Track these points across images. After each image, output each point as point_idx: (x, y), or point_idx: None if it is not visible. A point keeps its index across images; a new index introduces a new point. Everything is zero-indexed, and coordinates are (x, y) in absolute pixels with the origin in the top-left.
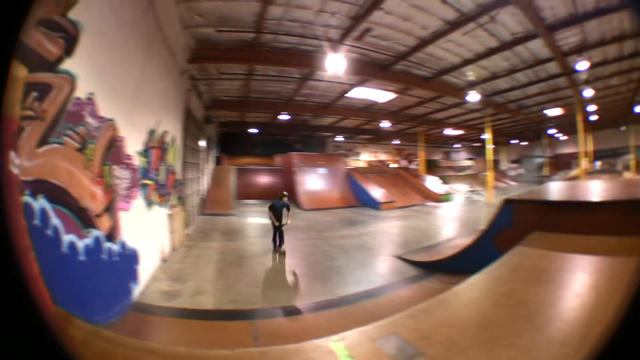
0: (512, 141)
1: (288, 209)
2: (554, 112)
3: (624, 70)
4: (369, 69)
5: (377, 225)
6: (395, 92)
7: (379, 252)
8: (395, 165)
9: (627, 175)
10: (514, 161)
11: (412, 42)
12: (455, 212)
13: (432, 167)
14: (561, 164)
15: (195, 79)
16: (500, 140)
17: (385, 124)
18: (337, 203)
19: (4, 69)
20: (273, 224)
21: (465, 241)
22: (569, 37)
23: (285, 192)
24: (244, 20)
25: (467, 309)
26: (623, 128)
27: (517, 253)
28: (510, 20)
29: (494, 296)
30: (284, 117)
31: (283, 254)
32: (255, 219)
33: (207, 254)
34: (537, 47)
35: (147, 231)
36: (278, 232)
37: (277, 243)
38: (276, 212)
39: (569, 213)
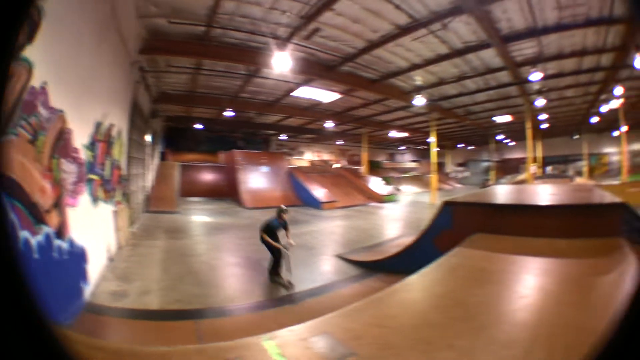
0: (459, 145)
1: (287, 228)
2: (503, 119)
3: (581, 84)
4: (315, 68)
5: (319, 224)
6: (341, 92)
7: (321, 251)
8: (339, 166)
9: (579, 180)
10: (460, 164)
11: (360, 44)
12: (398, 212)
13: (375, 168)
14: (509, 168)
15: (144, 71)
16: (447, 143)
17: (329, 124)
18: (279, 202)
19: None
20: (272, 248)
21: (406, 241)
22: (524, 49)
23: (284, 207)
24: (196, 12)
25: (402, 309)
26: (576, 137)
27: (456, 254)
28: (463, 29)
29: (430, 297)
30: (229, 113)
31: (289, 286)
32: (199, 217)
33: (152, 252)
34: (489, 56)
35: (93, 228)
36: (281, 258)
37: (278, 272)
38: (274, 234)
39: (513, 215)
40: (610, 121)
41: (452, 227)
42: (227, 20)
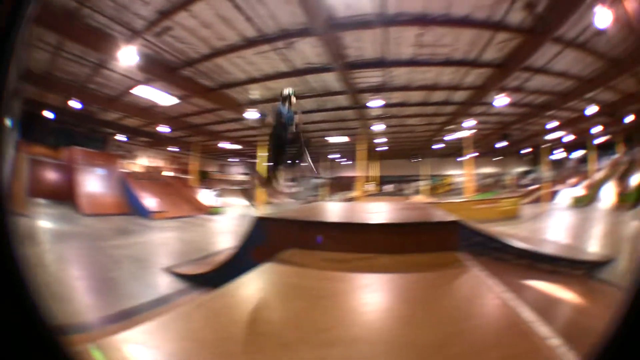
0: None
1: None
2: (339, 139)
3: (425, 114)
4: (158, 68)
5: (150, 235)
6: (179, 97)
7: (152, 263)
8: (171, 174)
9: (416, 198)
10: (292, 179)
11: (205, 50)
12: (226, 225)
13: (205, 179)
14: (342, 185)
15: None
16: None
17: (164, 129)
18: (113, 208)
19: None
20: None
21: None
22: (369, 77)
23: (291, 91)
24: None
25: (207, 323)
26: (417, 160)
27: (267, 269)
28: (308, 51)
29: (236, 311)
30: (76, 104)
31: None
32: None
33: None
34: (330, 79)
35: None
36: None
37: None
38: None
39: (329, 231)
40: (456, 148)
41: (266, 242)
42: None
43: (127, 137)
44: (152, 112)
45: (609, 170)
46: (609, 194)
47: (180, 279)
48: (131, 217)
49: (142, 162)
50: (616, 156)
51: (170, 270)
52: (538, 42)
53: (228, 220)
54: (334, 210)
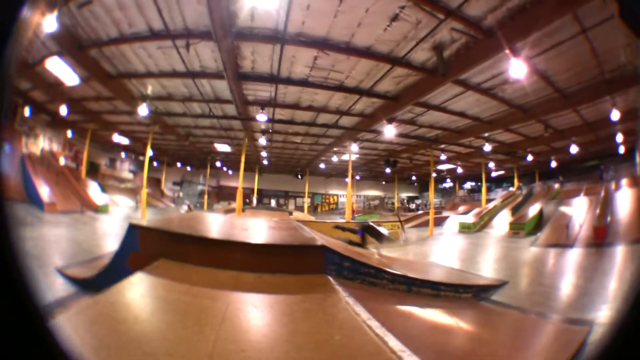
0: (178, 163)
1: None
2: (224, 148)
3: (311, 134)
4: (72, 42)
5: (43, 229)
6: (82, 78)
7: (46, 262)
8: (64, 161)
9: (297, 214)
10: (176, 183)
11: (114, 33)
12: (113, 225)
13: (95, 172)
14: (225, 194)
15: None
16: (166, 159)
17: (64, 110)
18: (11, 193)
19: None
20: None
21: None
22: (259, 91)
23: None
24: None
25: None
26: (302, 176)
27: (136, 279)
28: (206, 54)
29: (101, 323)
30: None
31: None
32: None
33: None
34: (222, 87)
35: None
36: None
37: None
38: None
39: (198, 246)
40: (342, 169)
41: (139, 250)
42: None
43: (30, 112)
44: (57, 89)
45: (502, 201)
46: (501, 222)
47: (69, 281)
48: (25, 204)
49: (40, 143)
50: (509, 189)
51: (61, 272)
52: (437, 83)
53: (113, 221)
54: (208, 223)
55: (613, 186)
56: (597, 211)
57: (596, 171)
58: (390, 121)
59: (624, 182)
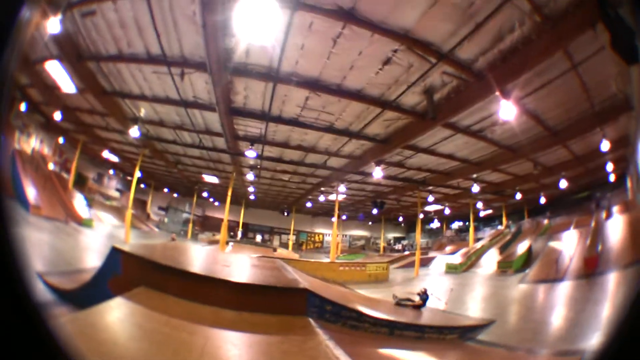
0: (166, 189)
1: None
2: (211, 179)
3: (299, 173)
4: (72, 50)
5: (28, 231)
6: (78, 88)
7: (28, 265)
8: (53, 167)
9: (282, 251)
10: (162, 208)
11: (112, 49)
12: (98, 240)
13: (81, 184)
14: (210, 225)
15: None
16: (153, 183)
17: (57, 116)
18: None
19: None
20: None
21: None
22: (249, 126)
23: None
24: None
25: None
26: (288, 213)
27: (116, 304)
28: (199, 85)
29: (83, 340)
30: None
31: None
32: None
33: None
34: (213, 119)
35: None
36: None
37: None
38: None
39: (179, 278)
40: (328, 208)
41: (121, 274)
42: None
43: (26, 108)
44: (53, 93)
45: (490, 240)
46: (489, 261)
47: (48, 289)
48: (13, 202)
49: (32, 143)
50: (498, 228)
51: (42, 277)
52: (427, 126)
53: (97, 236)
54: (191, 255)
55: (604, 215)
56: (588, 242)
57: (586, 203)
58: (378, 163)
59: (615, 209)
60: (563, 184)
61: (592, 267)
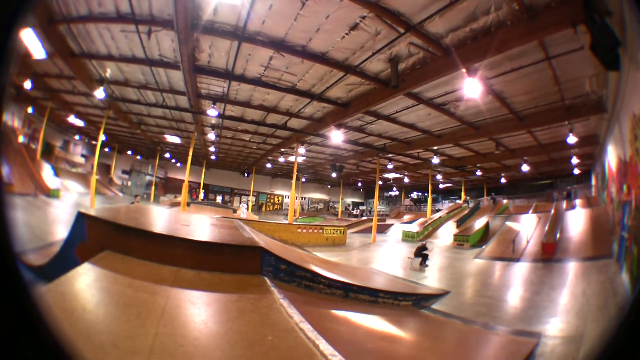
0: (129, 152)
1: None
2: (174, 139)
3: (260, 133)
4: (44, 14)
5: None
6: (48, 52)
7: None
8: (23, 139)
9: (241, 212)
10: (125, 172)
11: (83, 10)
12: (65, 210)
13: (48, 153)
14: (173, 187)
15: None
16: (117, 146)
17: (27, 85)
18: None
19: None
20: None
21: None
22: (212, 85)
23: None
24: None
25: None
26: (248, 175)
27: (84, 270)
28: (166, 43)
29: (55, 311)
30: None
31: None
32: None
33: None
34: (177, 78)
35: None
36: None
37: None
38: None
39: (141, 239)
40: (288, 170)
41: (86, 240)
42: None
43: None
44: (24, 62)
45: (447, 213)
46: (446, 233)
47: (24, 269)
48: None
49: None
50: (457, 202)
51: (18, 258)
52: (389, 94)
53: (65, 207)
54: (153, 216)
55: (565, 205)
56: (547, 228)
57: (547, 190)
58: (338, 127)
59: (578, 202)
60: (525, 167)
61: (549, 253)
